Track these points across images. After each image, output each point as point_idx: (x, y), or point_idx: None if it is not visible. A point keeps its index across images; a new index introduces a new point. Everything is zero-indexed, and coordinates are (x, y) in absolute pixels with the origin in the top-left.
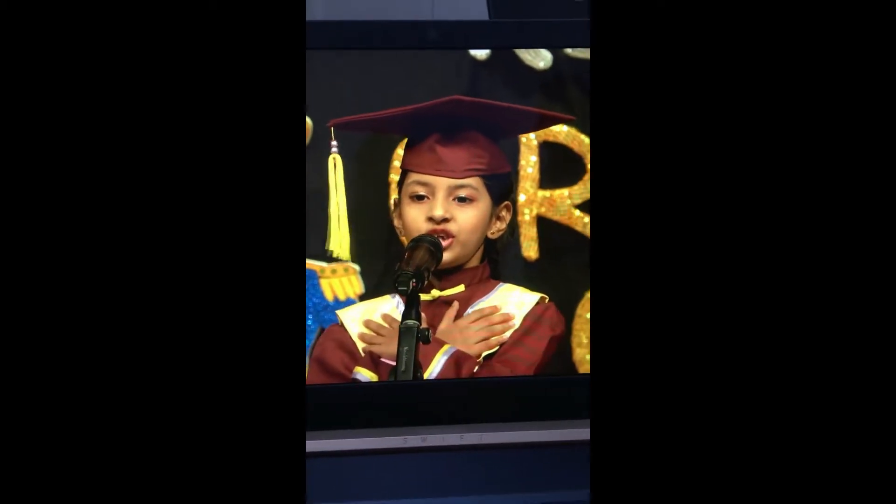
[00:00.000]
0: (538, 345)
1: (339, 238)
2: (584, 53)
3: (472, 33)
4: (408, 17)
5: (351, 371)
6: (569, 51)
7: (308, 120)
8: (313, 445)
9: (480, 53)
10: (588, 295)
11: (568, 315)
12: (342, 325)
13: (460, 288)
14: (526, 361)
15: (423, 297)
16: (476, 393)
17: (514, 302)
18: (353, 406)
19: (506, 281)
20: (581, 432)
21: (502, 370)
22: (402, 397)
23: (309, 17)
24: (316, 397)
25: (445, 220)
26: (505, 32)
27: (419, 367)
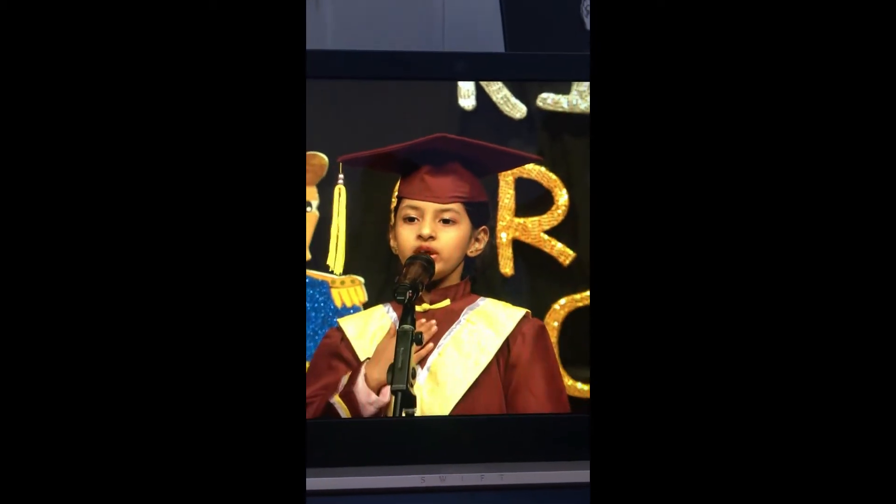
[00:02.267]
0: (557, 376)
1: (336, 256)
2: (552, 107)
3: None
4: (419, 47)
5: (337, 380)
6: (540, 104)
7: (323, 155)
8: (315, 483)
9: (468, 105)
10: (555, 306)
11: None
12: (341, 330)
13: (446, 302)
14: (554, 397)
15: (417, 307)
16: (499, 429)
17: (503, 316)
18: (361, 440)
19: (486, 295)
20: None
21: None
22: (420, 433)
23: (320, 47)
24: (318, 431)
25: (431, 238)
26: (518, 65)
27: (414, 372)
